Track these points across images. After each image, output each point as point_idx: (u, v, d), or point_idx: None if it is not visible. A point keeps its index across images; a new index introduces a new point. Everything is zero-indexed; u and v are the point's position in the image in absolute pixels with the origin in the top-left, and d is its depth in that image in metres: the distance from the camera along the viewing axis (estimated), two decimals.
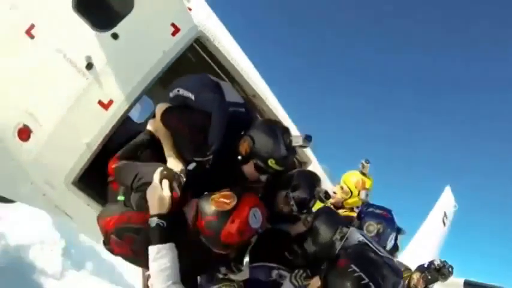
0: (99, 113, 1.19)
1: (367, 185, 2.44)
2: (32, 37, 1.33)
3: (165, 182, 1.18)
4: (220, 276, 1.46)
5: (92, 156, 1.24)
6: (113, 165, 1.40)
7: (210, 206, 1.20)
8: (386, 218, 1.88)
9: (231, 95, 1.49)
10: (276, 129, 1.44)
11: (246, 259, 1.42)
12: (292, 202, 1.49)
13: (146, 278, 1.60)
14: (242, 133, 1.37)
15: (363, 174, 2.47)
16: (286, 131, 1.48)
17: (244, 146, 1.35)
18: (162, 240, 1.11)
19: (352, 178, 2.44)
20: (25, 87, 1.15)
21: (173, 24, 1.43)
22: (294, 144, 1.45)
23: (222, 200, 1.21)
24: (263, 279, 1.47)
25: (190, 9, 1.59)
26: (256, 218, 1.24)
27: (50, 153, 1.21)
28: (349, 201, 2.42)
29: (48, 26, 1.29)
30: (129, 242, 1.30)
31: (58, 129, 1.20)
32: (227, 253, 1.30)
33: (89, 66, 1.22)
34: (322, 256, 1.33)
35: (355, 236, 1.34)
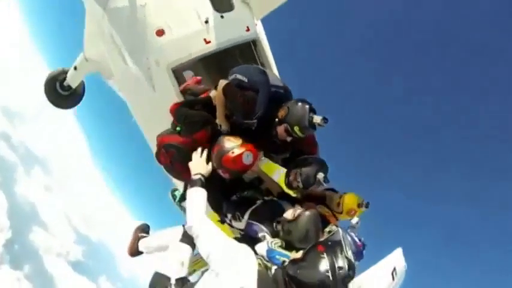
0: (201, 44, 2.06)
1: (356, 216, 2.45)
2: None
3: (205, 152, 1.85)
4: (227, 221, 2.10)
5: (190, 61, 2.13)
6: (174, 107, 2.04)
7: (223, 140, 1.83)
8: (359, 248, 2.08)
9: (274, 80, 2.06)
10: (306, 107, 1.91)
11: (246, 216, 1.97)
12: (299, 179, 1.90)
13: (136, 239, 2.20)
14: (283, 104, 1.92)
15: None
16: (312, 110, 1.94)
17: (281, 112, 1.89)
18: (199, 186, 1.67)
19: (350, 203, 2.47)
20: (170, 10, 2.05)
21: (247, 27, 2.35)
22: (314, 121, 1.88)
23: (232, 138, 1.84)
24: (252, 235, 1.89)
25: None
26: (248, 158, 1.81)
27: (169, 47, 2.01)
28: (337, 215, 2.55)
29: None
30: (171, 155, 1.98)
31: (179, 37, 2.04)
32: (225, 177, 1.89)
33: (206, 21, 2.06)
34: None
35: (340, 235, 1.57)
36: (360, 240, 2.10)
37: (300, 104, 1.93)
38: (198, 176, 1.73)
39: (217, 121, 2.01)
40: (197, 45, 2.10)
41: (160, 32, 2.00)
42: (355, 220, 2.24)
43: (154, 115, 2.21)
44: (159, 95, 2.18)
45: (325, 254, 1.31)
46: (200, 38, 2.09)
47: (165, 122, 2.10)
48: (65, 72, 2.87)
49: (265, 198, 2.22)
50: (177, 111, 2.04)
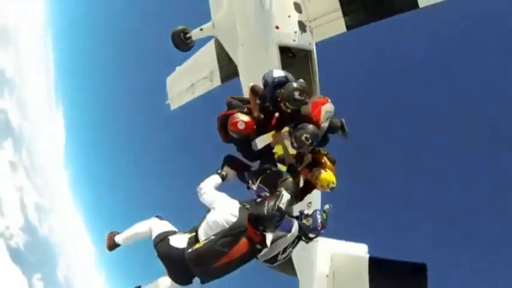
0: (292, 39, 3.11)
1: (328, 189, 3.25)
2: None
3: None
4: (249, 185, 3.02)
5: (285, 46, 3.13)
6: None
7: (239, 114, 2.81)
8: (318, 227, 2.82)
9: (277, 73, 2.85)
10: (292, 85, 2.72)
11: (258, 181, 2.87)
12: (294, 142, 2.73)
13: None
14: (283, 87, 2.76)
15: None
16: (297, 89, 2.72)
17: (280, 93, 2.72)
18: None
19: (322, 182, 3.19)
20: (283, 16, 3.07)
21: (309, 43, 3.37)
22: (295, 97, 2.73)
23: (245, 114, 2.81)
24: (261, 194, 2.78)
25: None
26: (241, 125, 2.74)
27: (280, 35, 3.03)
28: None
29: None
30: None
31: (285, 32, 3.07)
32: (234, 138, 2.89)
33: (295, 32, 3.17)
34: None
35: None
36: (321, 222, 2.84)
37: (289, 84, 2.78)
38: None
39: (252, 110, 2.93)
40: (290, 39, 3.16)
41: (276, 27, 3.03)
42: (327, 206, 3.02)
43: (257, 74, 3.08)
44: (268, 59, 3.20)
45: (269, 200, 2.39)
46: (292, 36, 3.16)
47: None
48: (185, 30, 3.83)
49: (273, 169, 3.06)
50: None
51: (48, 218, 42.48)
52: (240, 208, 2.50)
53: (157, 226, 2.82)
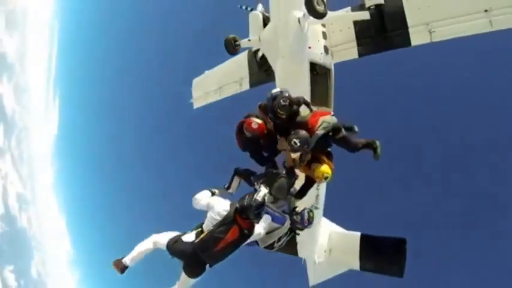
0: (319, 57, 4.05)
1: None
2: None
3: None
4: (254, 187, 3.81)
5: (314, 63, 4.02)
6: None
7: (254, 118, 3.77)
8: (304, 222, 3.67)
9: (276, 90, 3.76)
10: (280, 97, 3.57)
11: (260, 182, 3.61)
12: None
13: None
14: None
15: None
16: (283, 97, 3.58)
17: (274, 104, 3.60)
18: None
19: (318, 174, 3.81)
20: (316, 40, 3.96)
21: (330, 63, 4.36)
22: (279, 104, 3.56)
23: (259, 119, 3.76)
24: None
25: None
26: (255, 125, 3.64)
27: (312, 54, 3.98)
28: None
29: None
30: None
31: (316, 52, 3.98)
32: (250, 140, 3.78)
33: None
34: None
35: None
36: (308, 219, 3.67)
37: (279, 95, 3.62)
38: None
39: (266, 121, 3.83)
40: (318, 58, 3.99)
41: (309, 47, 3.88)
42: (314, 206, 4.04)
43: (292, 81, 3.93)
44: (301, 71, 4.02)
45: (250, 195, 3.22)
46: (320, 56, 4.01)
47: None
48: (235, 38, 4.48)
49: (273, 171, 3.87)
50: None
51: (28, 210, 41.41)
52: (230, 204, 3.32)
53: (163, 236, 3.49)
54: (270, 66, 4.53)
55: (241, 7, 4.59)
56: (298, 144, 3.57)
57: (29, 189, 41.76)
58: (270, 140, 3.95)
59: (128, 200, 35.13)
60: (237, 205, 3.34)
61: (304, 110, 3.89)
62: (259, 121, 3.81)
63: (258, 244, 3.81)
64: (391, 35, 3.82)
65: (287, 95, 3.62)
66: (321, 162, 3.88)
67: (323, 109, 4.19)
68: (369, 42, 3.96)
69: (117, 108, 35.74)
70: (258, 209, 3.29)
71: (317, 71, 4.04)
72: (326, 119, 3.84)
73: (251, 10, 4.47)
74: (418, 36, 3.78)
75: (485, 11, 3.57)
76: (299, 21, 3.75)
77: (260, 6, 4.49)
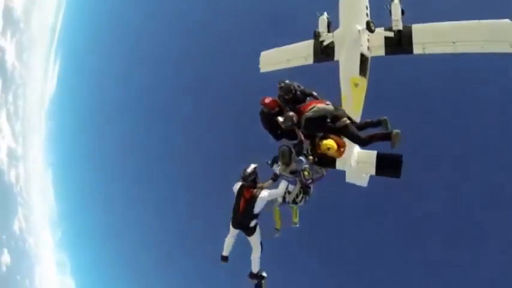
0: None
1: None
2: None
3: None
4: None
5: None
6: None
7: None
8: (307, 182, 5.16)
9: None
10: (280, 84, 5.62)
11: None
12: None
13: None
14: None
15: None
16: (280, 82, 5.68)
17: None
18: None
19: (322, 147, 4.82)
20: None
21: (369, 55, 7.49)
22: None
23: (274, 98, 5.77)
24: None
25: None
26: (268, 99, 5.64)
27: (364, 44, 6.89)
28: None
29: None
30: None
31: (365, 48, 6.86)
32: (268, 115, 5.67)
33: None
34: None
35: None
36: (305, 177, 4.94)
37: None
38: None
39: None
40: (365, 51, 6.66)
41: (361, 45, 6.63)
42: (305, 166, 5.20)
43: (350, 62, 6.57)
44: (355, 59, 6.76)
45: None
46: (366, 50, 6.74)
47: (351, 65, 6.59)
48: (319, 32, 6.92)
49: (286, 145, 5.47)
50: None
51: (17, 166, 42.21)
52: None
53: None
54: (329, 52, 7.50)
55: (317, 13, 7.48)
56: (282, 120, 5.03)
57: (20, 145, 42.32)
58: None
59: (117, 166, 36.85)
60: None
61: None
62: (271, 98, 5.44)
63: (285, 199, 5.37)
64: (403, 46, 6.92)
65: (285, 81, 5.60)
66: (326, 138, 4.79)
67: (322, 100, 5.37)
68: (391, 48, 7.04)
69: (118, 76, 36.32)
70: (249, 177, 5.21)
71: (363, 58, 6.91)
72: (318, 105, 4.93)
73: (320, 15, 7.42)
74: (416, 49, 6.91)
75: (453, 42, 6.77)
76: (359, 32, 6.78)
77: (325, 14, 7.42)
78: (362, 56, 6.74)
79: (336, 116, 4.77)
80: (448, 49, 6.27)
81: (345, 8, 6.76)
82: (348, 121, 4.89)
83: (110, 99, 37.95)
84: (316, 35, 6.96)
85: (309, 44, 7.63)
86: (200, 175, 28.23)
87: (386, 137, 4.71)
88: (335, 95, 6.83)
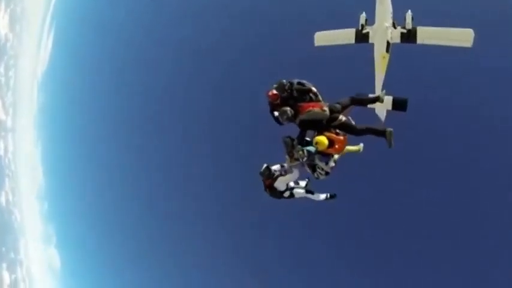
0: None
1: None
2: None
3: None
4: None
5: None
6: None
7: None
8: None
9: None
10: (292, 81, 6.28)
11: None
12: None
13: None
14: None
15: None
16: (297, 83, 6.28)
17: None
18: None
19: (315, 141, 5.83)
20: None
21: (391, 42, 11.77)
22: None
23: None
24: None
25: None
26: (270, 91, 6.22)
27: (389, 35, 11.15)
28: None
29: None
30: None
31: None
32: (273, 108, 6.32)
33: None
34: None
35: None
36: (300, 156, 5.83)
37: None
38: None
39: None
40: (389, 39, 10.90)
41: (387, 35, 11.18)
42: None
43: (379, 45, 10.76)
44: (383, 43, 11.00)
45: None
46: (389, 38, 11.06)
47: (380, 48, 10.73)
48: (363, 25, 10.47)
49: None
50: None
51: (6, 138, 41.82)
52: None
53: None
54: (365, 38, 11.67)
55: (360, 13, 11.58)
56: (277, 115, 5.64)
57: (10, 117, 41.77)
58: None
59: (109, 143, 36.71)
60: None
61: (319, 97, 6.32)
62: (275, 91, 5.84)
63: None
64: (411, 38, 11.22)
65: (281, 80, 6.11)
66: (320, 134, 5.59)
67: (319, 103, 6.04)
68: (404, 39, 11.25)
69: (115, 50, 35.35)
70: (267, 173, 6.33)
71: (388, 43, 11.01)
72: (314, 110, 5.47)
73: (361, 14, 11.52)
74: (419, 40, 11.17)
75: (440, 39, 11.33)
76: (386, 27, 11.03)
77: (364, 13, 11.52)
78: (387, 42, 11.04)
79: (331, 118, 5.56)
80: (438, 42, 10.75)
81: (379, 13, 11.00)
82: (344, 118, 5.76)
83: (105, 75, 36.90)
84: (362, 26, 11.16)
85: (352, 31, 11.78)
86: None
87: (380, 135, 5.59)
88: (335, 91, 7.60)
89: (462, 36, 9.61)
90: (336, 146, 5.77)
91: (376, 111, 11.51)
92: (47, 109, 43.53)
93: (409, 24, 10.78)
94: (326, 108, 5.63)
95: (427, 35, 10.74)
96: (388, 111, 10.88)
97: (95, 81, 38.10)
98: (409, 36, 10.93)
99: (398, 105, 10.12)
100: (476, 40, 8.92)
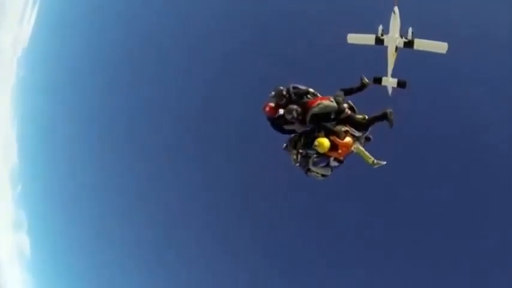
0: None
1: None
2: None
3: None
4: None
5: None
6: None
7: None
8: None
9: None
10: (287, 86, 6.05)
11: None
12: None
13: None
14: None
15: None
16: (293, 88, 6.06)
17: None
18: None
19: (316, 143, 5.55)
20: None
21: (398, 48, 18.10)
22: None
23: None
24: None
25: None
26: (266, 109, 6.13)
27: (397, 43, 17.38)
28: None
29: None
30: None
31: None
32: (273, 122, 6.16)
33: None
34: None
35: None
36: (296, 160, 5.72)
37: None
38: None
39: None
40: (397, 44, 16.11)
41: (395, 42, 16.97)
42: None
43: (391, 49, 15.94)
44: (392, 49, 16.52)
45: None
46: (398, 44, 16.71)
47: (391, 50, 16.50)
48: (380, 35, 13.39)
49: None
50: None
51: None
52: None
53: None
54: (382, 42, 17.33)
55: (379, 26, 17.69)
56: (282, 113, 5.48)
57: None
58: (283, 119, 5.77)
59: (89, 126, 35.55)
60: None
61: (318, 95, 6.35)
62: (271, 104, 5.69)
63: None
64: (410, 45, 17.20)
65: (277, 88, 6.01)
66: (322, 136, 5.52)
67: (326, 97, 6.11)
68: (406, 45, 16.66)
69: (105, 29, 33.55)
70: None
71: (396, 47, 13.73)
72: (324, 102, 5.50)
73: (380, 26, 17.28)
74: (415, 47, 17.18)
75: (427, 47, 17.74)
76: (396, 37, 17.19)
77: (381, 26, 17.29)
78: (396, 46, 17.35)
79: (339, 111, 5.57)
80: (426, 49, 17.20)
81: (392, 26, 17.31)
82: (350, 111, 5.75)
83: (91, 55, 34.11)
84: (380, 35, 17.40)
85: (373, 36, 17.42)
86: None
87: (383, 118, 5.66)
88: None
89: (441, 47, 16.11)
90: (340, 151, 5.76)
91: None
92: (26, 86, 39.80)
93: (409, 37, 17.18)
94: (332, 100, 5.80)
95: (420, 44, 17.24)
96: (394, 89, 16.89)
97: (79, 60, 35.50)
98: (409, 44, 17.37)
99: (401, 84, 16.24)
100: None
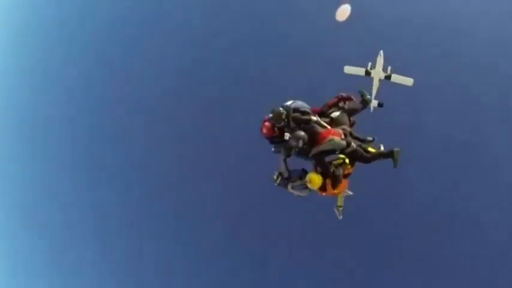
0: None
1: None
2: None
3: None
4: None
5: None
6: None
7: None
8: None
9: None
10: (286, 106, 5.50)
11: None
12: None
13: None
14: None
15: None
16: (293, 110, 5.44)
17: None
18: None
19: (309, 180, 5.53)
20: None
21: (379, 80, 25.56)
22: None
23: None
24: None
25: None
26: (262, 130, 5.32)
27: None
28: None
29: None
30: None
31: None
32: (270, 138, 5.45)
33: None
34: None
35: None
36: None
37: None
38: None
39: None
40: (381, 77, 23.21)
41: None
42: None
43: (376, 81, 19.75)
44: (377, 79, 23.16)
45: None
46: (381, 77, 24.62)
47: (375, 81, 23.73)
48: (369, 70, 14.05)
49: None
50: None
51: None
52: None
53: None
54: (369, 74, 24.81)
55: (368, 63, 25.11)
56: (289, 138, 5.15)
57: None
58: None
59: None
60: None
61: (321, 123, 5.77)
62: (268, 124, 5.34)
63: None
64: (389, 78, 23.84)
65: (277, 109, 5.45)
66: (316, 173, 5.35)
67: (337, 131, 5.69)
68: (386, 78, 23.89)
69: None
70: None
71: (380, 78, 23.42)
72: (335, 139, 5.25)
73: (369, 63, 23.52)
74: (392, 80, 24.94)
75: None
76: (380, 71, 24.40)
77: (370, 63, 21.27)
78: (379, 78, 24.66)
79: (346, 146, 5.54)
80: (400, 82, 24.60)
81: (376, 64, 24.57)
82: (355, 146, 5.49)
83: (68, 38, 25.50)
84: (369, 69, 24.63)
85: (363, 69, 22.09)
86: None
87: (388, 156, 5.58)
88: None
89: (409, 81, 22.90)
90: (326, 193, 5.58)
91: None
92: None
93: (389, 72, 24.54)
94: (343, 136, 5.44)
95: (395, 78, 24.58)
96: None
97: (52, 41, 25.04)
98: (388, 78, 24.72)
99: (380, 105, 23.72)
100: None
